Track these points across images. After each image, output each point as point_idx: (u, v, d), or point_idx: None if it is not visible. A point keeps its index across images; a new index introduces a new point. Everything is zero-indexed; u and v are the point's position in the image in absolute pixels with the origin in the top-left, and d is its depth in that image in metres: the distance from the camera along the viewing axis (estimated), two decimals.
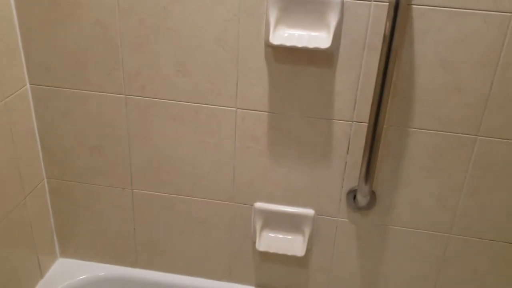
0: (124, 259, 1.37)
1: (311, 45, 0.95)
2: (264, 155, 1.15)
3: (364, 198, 1.10)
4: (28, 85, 1.16)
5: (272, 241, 1.21)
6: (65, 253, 1.39)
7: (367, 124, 1.06)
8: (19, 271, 1.23)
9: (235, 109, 1.11)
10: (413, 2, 0.94)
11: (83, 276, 1.33)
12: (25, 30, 1.10)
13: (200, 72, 1.08)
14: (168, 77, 1.10)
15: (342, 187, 1.15)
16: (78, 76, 1.13)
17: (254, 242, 1.25)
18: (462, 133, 1.05)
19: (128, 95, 1.13)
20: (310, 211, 1.19)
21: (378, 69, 0.96)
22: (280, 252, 1.19)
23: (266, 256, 1.29)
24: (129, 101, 1.14)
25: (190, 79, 1.09)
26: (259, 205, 1.21)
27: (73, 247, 1.38)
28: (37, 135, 1.22)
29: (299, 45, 0.96)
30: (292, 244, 1.21)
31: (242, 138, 1.14)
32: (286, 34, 0.99)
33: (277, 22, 0.99)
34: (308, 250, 1.24)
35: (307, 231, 1.20)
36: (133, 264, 1.37)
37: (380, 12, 0.96)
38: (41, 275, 1.33)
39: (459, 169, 1.09)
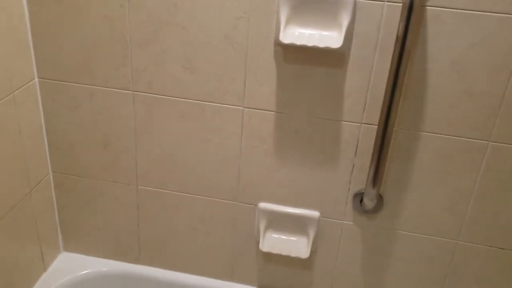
0: (127, 255, 1.36)
1: (322, 44, 0.93)
2: (270, 155, 1.14)
3: (371, 201, 1.09)
4: (36, 79, 1.16)
5: (276, 242, 1.20)
6: (68, 248, 1.39)
7: (376, 126, 1.04)
8: (23, 264, 1.23)
9: (242, 108, 1.10)
10: (427, 4, 0.92)
11: (86, 271, 1.32)
12: (35, 24, 1.09)
13: (208, 69, 1.07)
14: (175, 74, 1.09)
15: (349, 189, 1.14)
16: (86, 71, 1.12)
17: (258, 243, 1.24)
18: (473, 138, 1.03)
19: (135, 91, 1.13)
20: (315, 213, 1.17)
21: (390, 70, 0.94)
22: (284, 253, 1.17)
23: (269, 257, 1.27)
24: (136, 98, 1.13)
25: (197, 76, 1.08)
26: (263, 205, 1.19)
27: (77, 241, 1.38)
28: (44, 129, 1.22)
29: (310, 44, 0.94)
30: (296, 245, 1.19)
31: (248, 137, 1.13)
32: (296, 33, 0.97)
33: (288, 21, 0.97)
34: (312, 252, 1.22)
35: (312, 233, 1.18)
36: (135, 261, 1.36)
37: (393, 13, 0.94)
38: (44, 269, 1.33)
39: (469, 174, 1.07)
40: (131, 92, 1.13)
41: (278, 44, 1.01)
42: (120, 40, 1.07)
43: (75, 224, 1.35)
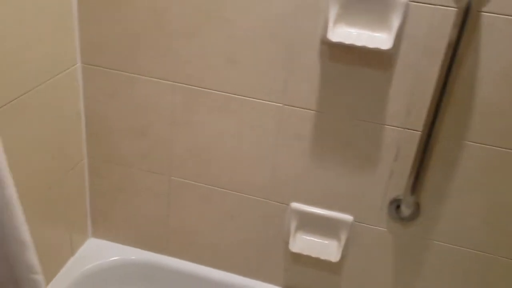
0: (154, 245, 1.36)
1: (371, 44, 0.92)
2: (306, 155, 1.12)
3: (408, 209, 1.06)
4: (79, 64, 1.17)
5: (306, 243, 1.19)
6: (96, 234, 1.40)
7: (419, 132, 1.01)
8: (52, 247, 1.24)
9: (281, 105, 1.09)
10: (483, 10, 0.90)
11: (115, 258, 1.33)
12: (83, 10, 1.10)
13: (250, 64, 1.06)
14: (217, 67, 1.08)
15: (385, 195, 1.11)
16: (129, 59, 1.13)
17: (286, 243, 1.22)
18: None
19: (176, 82, 1.13)
20: (348, 217, 1.15)
21: (439, 76, 0.92)
22: (314, 255, 1.16)
23: (298, 258, 1.26)
24: (176, 88, 1.13)
25: (239, 70, 1.07)
26: (295, 205, 1.18)
27: (105, 228, 1.38)
28: (82, 114, 1.23)
29: (359, 43, 0.92)
30: (326, 248, 1.17)
31: (285, 135, 1.12)
32: (345, 32, 0.96)
33: (337, 19, 0.96)
34: (343, 256, 1.20)
35: (344, 237, 1.17)
36: (162, 251, 1.36)
37: (445, 18, 0.92)
38: (72, 253, 1.34)
39: None
40: (171, 82, 1.13)
41: (325, 42, 1.00)
42: (165, 31, 1.07)
43: (105, 210, 1.35)
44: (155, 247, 1.36)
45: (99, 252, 1.35)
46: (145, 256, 1.35)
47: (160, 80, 1.13)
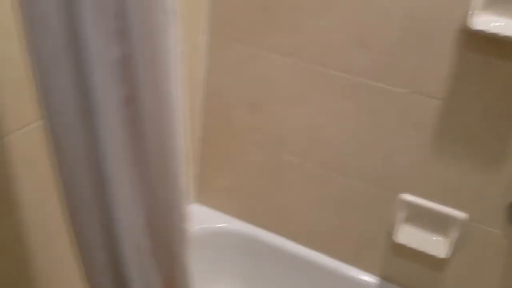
0: (255, 219, 1.39)
1: None
2: (426, 146, 1.09)
3: None
4: (206, 35, 1.21)
5: (412, 235, 1.16)
6: (199, 199, 1.46)
7: None
8: None
9: (406, 91, 1.06)
10: None
11: (221, 225, 1.38)
12: None
13: (379, 48, 1.04)
14: (342, 48, 1.07)
15: (506, 197, 1.05)
16: (255, 34, 1.15)
17: (389, 233, 1.20)
18: None
19: (298, 61, 1.13)
20: (462, 215, 1.11)
21: None
22: (420, 249, 1.13)
23: (400, 250, 1.23)
24: (299, 67, 1.14)
25: (365, 53, 1.06)
26: (406, 196, 1.15)
27: (209, 195, 1.44)
28: (203, 84, 1.28)
29: (502, 33, 0.87)
30: (433, 243, 1.14)
31: (405, 123, 1.09)
32: (488, 20, 0.91)
33: (483, 7, 0.91)
34: (450, 254, 1.16)
35: (454, 234, 1.12)
36: (263, 226, 1.39)
37: None
38: None
39: None
40: (294, 60, 1.14)
41: (463, 29, 0.95)
42: (294, 7, 1.08)
43: (212, 178, 1.41)
44: (256, 220, 1.39)
45: (202, 217, 1.40)
46: (246, 228, 1.38)
47: (283, 57, 1.15)
